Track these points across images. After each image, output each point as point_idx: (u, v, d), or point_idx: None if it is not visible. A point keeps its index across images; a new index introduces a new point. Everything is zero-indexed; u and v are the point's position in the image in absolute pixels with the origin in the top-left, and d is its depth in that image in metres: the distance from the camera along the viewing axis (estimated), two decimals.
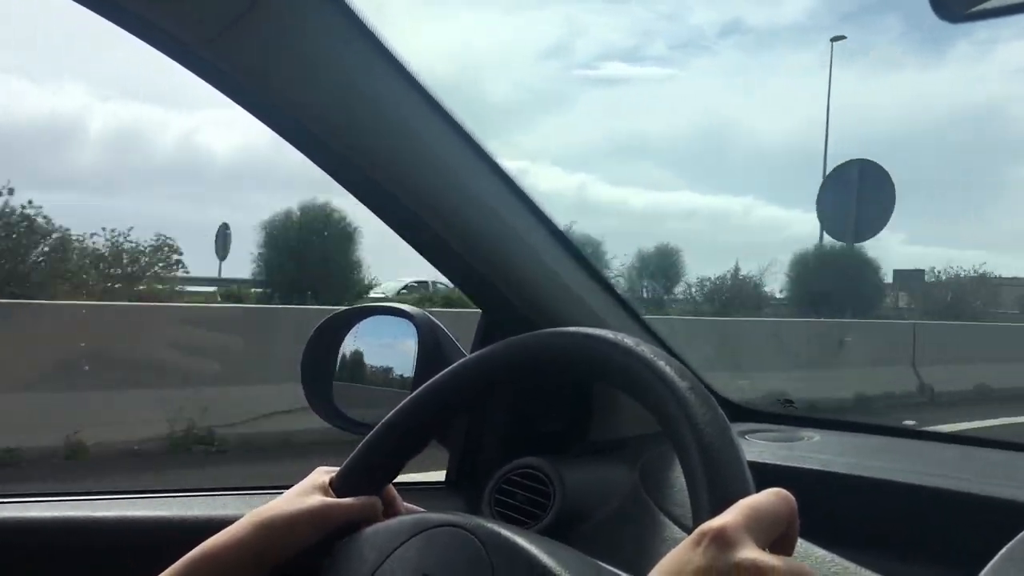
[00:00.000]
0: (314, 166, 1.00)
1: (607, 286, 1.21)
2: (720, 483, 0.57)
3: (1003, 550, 0.82)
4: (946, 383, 10.22)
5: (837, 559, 0.87)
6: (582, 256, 1.17)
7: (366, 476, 0.83)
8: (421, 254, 1.13)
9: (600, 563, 0.71)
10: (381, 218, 1.07)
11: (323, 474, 0.85)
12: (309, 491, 0.82)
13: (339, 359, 1.23)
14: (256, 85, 0.92)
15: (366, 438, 0.83)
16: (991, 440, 1.25)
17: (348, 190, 1.04)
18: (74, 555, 1.03)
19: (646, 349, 0.66)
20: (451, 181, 1.04)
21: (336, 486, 0.83)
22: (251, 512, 0.81)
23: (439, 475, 1.30)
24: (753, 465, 1.10)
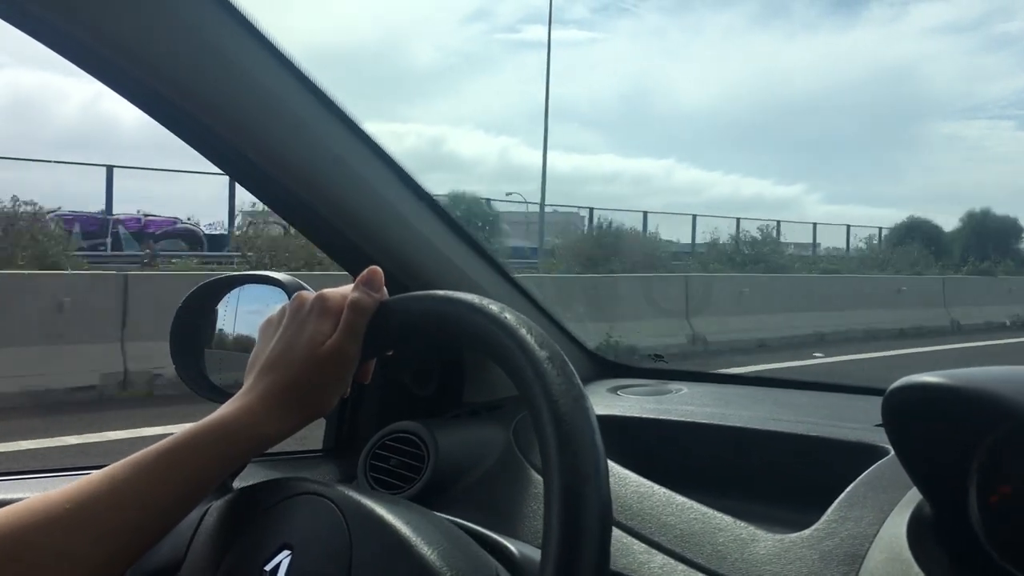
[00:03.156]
0: None
1: (477, 247, 1.21)
2: (570, 454, 0.57)
3: (847, 489, 0.88)
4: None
5: (696, 505, 0.91)
6: (451, 218, 1.17)
7: None
8: (286, 219, 1.11)
9: (463, 525, 0.73)
10: (246, 187, 1.05)
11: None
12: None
13: (210, 329, 1.20)
14: (94, 40, 0.87)
15: None
16: (835, 384, 1.33)
17: (213, 162, 1.01)
18: None
19: (509, 315, 0.66)
20: (309, 139, 1.02)
21: None
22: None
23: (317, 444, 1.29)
24: (623, 419, 1.15)
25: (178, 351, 1.16)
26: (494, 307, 0.67)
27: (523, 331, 0.64)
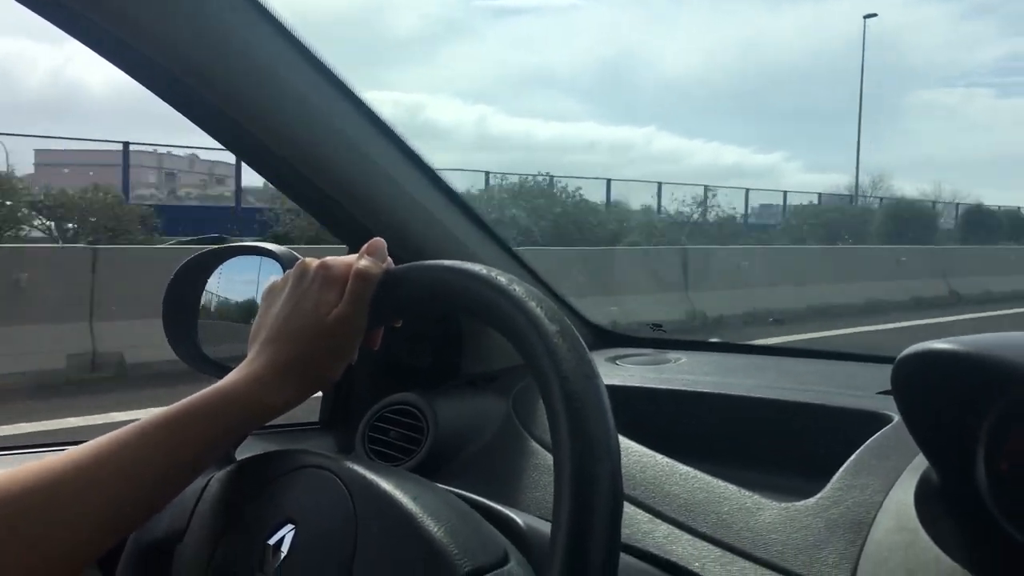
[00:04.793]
0: None
1: (475, 217, 1.20)
2: (581, 434, 0.56)
3: (852, 456, 0.87)
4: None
5: (700, 474, 0.90)
6: (449, 187, 1.16)
7: None
8: (280, 189, 1.09)
9: (469, 497, 0.72)
10: (236, 153, 1.03)
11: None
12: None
13: (204, 300, 1.19)
14: (100, 17, 0.85)
15: None
16: (838, 352, 1.32)
17: (202, 127, 0.99)
18: None
19: (518, 287, 0.64)
20: (308, 112, 1.00)
21: None
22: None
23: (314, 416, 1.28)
24: (624, 389, 1.14)
25: (171, 324, 1.15)
26: (503, 278, 0.66)
27: (533, 304, 0.62)
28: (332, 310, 0.74)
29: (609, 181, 22.66)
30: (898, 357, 0.72)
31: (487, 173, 19.85)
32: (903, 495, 0.78)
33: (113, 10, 0.84)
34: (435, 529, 0.62)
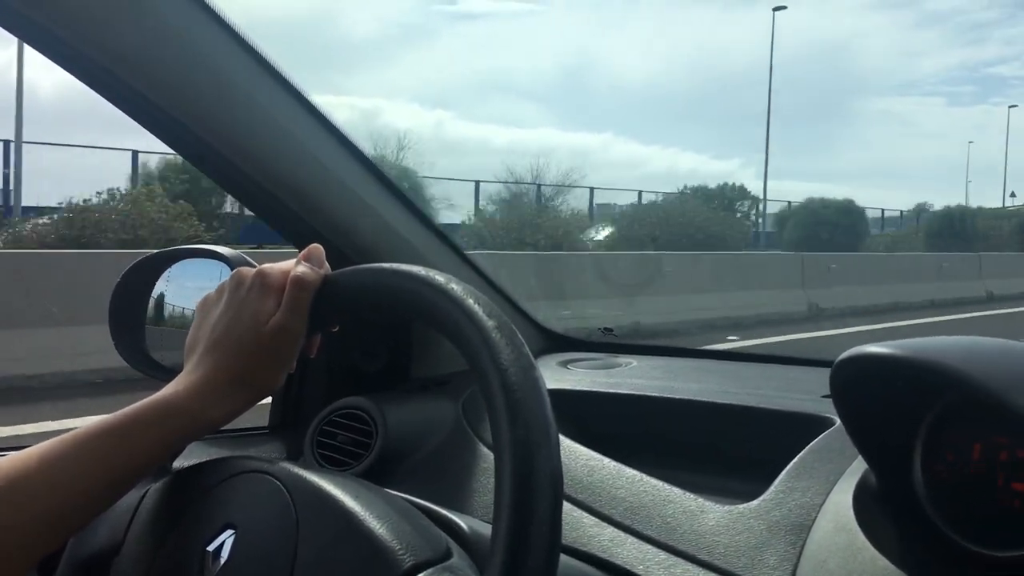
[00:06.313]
0: None
1: (426, 221, 1.19)
2: (521, 424, 0.56)
3: (794, 459, 0.88)
4: None
5: (646, 478, 0.91)
6: (400, 191, 1.15)
7: None
8: (228, 191, 1.08)
9: (413, 500, 0.71)
10: (182, 155, 1.02)
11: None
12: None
13: (151, 304, 1.17)
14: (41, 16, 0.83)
15: None
16: (784, 357, 1.34)
17: (148, 128, 0.97)
18: None
19: (455, 286, 0.64)
20: (255, 114, 0.99)
21: None
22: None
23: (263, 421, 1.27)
24: (573, 393, 1.15)
25: (117, 327, 1.13)
26: (440, 278, 0.66)
27: (470, 301, 0.63)
28: (270, 319, 0.74)
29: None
30: (836, 361, 0.74)
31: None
32: (842, 497, 0.79)
33: (55, 9, 0.83)
34: (376, 526, 0.62)
